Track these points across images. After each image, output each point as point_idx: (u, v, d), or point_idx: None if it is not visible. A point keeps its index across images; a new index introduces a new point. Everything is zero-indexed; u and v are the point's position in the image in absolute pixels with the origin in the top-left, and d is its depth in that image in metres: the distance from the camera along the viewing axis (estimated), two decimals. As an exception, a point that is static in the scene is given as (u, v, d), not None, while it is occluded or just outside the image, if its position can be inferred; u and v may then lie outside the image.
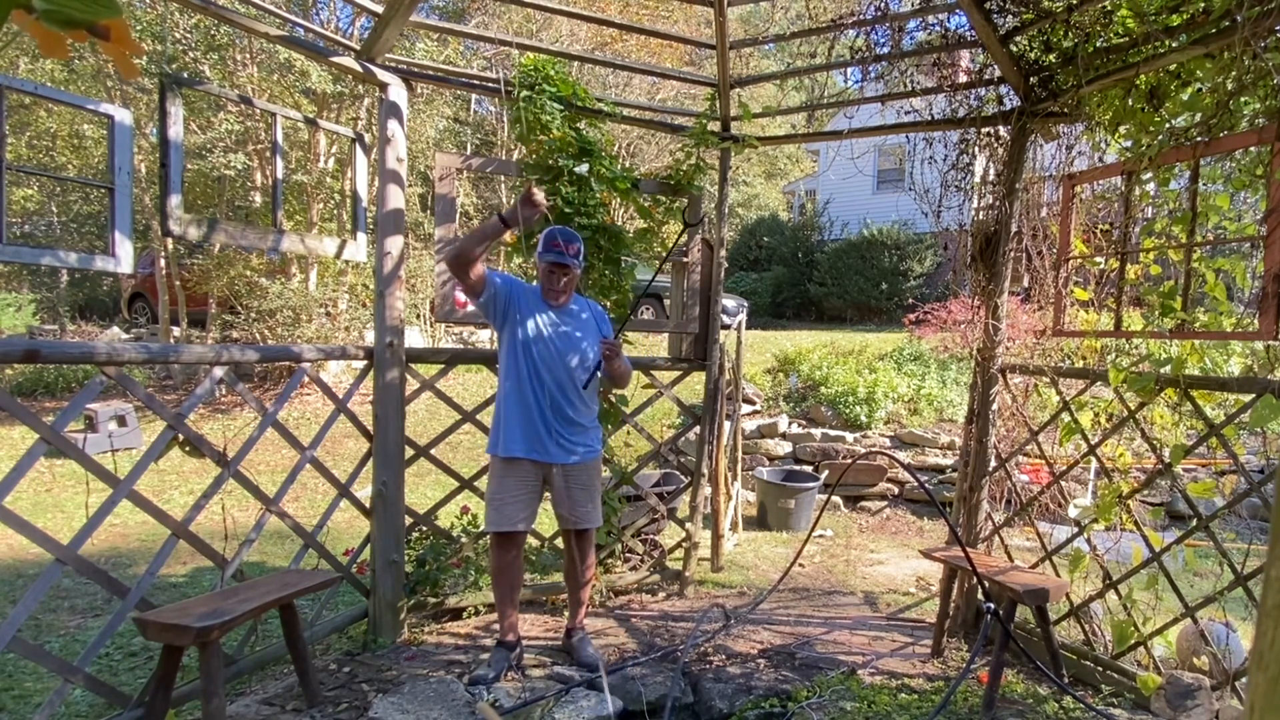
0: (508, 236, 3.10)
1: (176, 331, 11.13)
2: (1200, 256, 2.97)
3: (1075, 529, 3.25)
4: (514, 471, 2.96)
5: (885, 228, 15.05)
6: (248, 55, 9.97)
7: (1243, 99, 2.71)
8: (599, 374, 3.05)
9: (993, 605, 2.86)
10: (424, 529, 3.67)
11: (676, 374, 4.28)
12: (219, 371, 2.76)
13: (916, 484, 6.35)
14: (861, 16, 3.44)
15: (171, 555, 2.60)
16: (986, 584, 3.00)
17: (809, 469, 6.51)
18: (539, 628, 3.56)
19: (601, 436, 3.28)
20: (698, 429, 4.35)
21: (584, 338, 3.06)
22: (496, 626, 3.52)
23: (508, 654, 3.04)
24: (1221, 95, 2.70)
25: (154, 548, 3.17)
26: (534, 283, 3.13)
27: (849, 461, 6.02)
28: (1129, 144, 3.16)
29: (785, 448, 6.88)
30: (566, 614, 3.72)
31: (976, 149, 3.65)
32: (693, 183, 4.04)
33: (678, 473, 4.95)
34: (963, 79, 3.59)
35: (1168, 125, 3.00)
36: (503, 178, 12.64)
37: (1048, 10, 2.98)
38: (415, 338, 10.74)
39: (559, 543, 4.32)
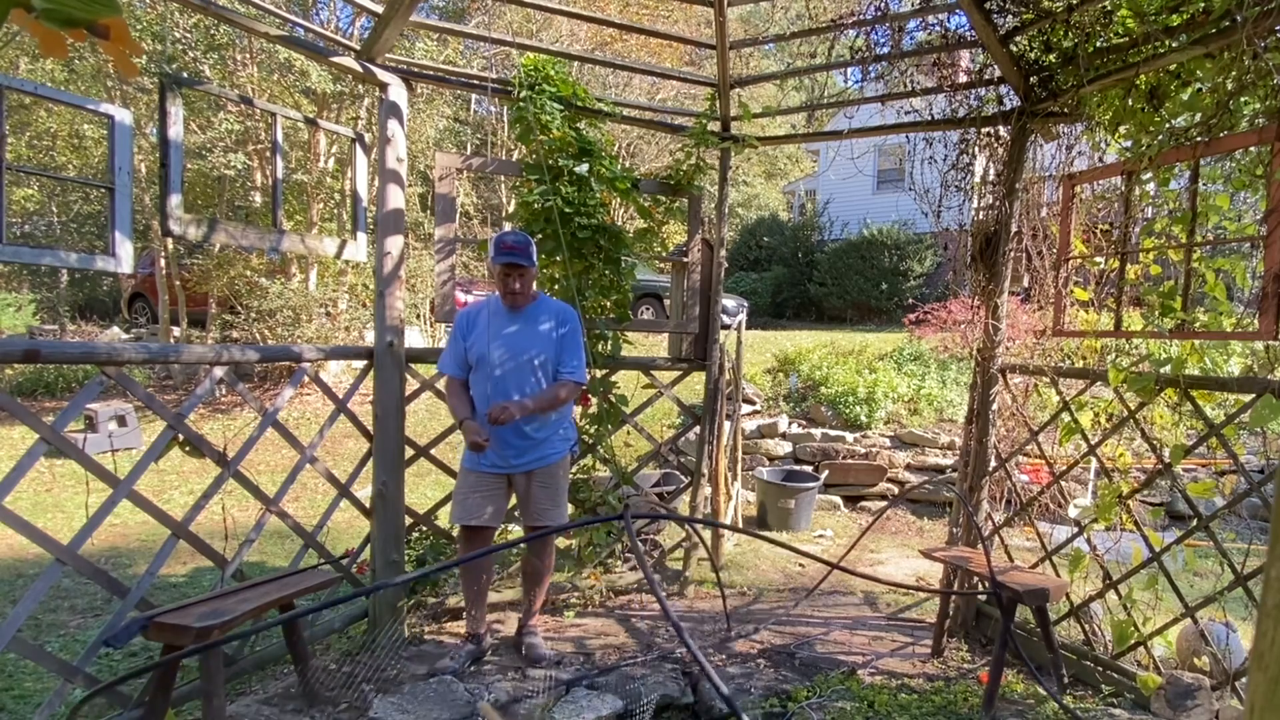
0: None
1: (176, 331, 11.13)
2: (1200, 256, 2.96)
3: (1075, 529, 3.25)
4: (477, 475, 3.06)
5: (885, 228, 15.04)
6: (248, 55, 9.97)
7: (1243, 99, 2.71)
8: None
9: (1001, 594, 2.86)
10: (424, 529, 3.68)
11: (676, 374, 4.28)
12: (219, 371, 2.76)
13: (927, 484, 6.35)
14: (861, 16, 3.44)
15: (171, 555, 2.60)
16: (989, 584, 3.00)
17: (809, 469, 6.51)
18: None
19: (570, 435, 3.22)
20: (698, 429, 4.35)
21: (539, 343, 3.02)
22: (496, 626, 3.53)
23: (474, 648, 3.13)
24: (1221, 95, 2.70)
25: (154, 548, 3.17)
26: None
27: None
28: (1129, 144, 3.16)
29: (785, 448, 6.88)
30: (568, 615, 3.73)
31: (976, 149, 3.65)
32: (693, 183, 4.04)
33: (678, 473, 4.95)
34: (963, 79, 3.59)
35: (1168, 125, 2.99)
36: (503, 177, 12.63)
37: (1048, 10, 2.98)
38: (415, 338, 10.74)
39: (559, 543, 4.33)
